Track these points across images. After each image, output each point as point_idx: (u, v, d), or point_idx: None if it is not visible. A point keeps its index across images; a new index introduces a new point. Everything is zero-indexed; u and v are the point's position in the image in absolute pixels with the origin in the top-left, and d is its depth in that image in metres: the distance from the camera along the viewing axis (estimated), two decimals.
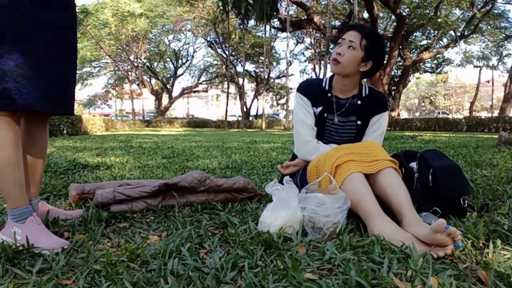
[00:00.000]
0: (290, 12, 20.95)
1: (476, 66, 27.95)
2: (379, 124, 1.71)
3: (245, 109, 29.78)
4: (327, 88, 1.71)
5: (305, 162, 1.68)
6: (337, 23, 22.13)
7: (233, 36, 26.39)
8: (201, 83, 33.58)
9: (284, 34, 21.95)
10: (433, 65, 25.94)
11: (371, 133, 1.71)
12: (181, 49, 31.69)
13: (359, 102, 1.69)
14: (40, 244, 1.13)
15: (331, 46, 15.48)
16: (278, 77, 32.49)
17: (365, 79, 1.79)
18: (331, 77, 1.72)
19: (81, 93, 38.21)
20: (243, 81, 28.16)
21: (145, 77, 30.54)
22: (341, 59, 1.58)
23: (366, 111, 1.69)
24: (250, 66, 31.45)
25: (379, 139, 1.71)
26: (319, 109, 1.70)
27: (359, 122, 1.69)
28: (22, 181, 1.19)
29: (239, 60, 29.51)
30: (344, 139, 1.70)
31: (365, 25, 1.70)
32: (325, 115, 1.69)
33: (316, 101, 1.70)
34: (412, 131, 14.75)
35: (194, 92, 34.81)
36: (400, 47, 20.09)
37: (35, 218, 1.20)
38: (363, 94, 1.70)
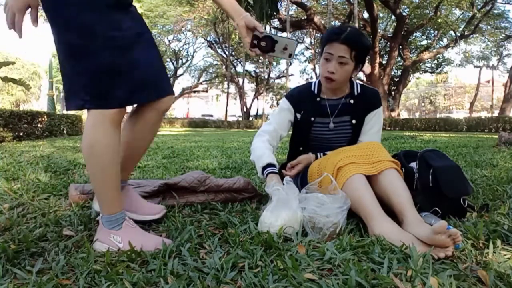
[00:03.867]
0: (290, 12, 20.90)
1: (476, 66, 27.94)
2: (374, 121, 1.70)
3: (245, 109, 29.79)
4: (316, 92, 1.70)
5: (308, 158, 1.67)
6: (337, 23, 22.12)
7: (233, 36, 26.35)
8: (201, 83, 33.57)
9: (284, 34, 21.95)
10: (433, 65, 25.95)
11: (367, 130, 1.70)
12: (181, 49, 31.72)
13: (351, 101, 1.68)
14: (146, 247, 1.11)
15: None
16: (278, 77, 32.52)
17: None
18: (320, 80, 1.70)
19: None
20: (243, 81, 28.17)
21: None
22: (335, 76, 1.55)
23: (360, 109, 1.68)
24: (250, 66, 31.47)
25: (377, 136, 1.71)
26: (304, 113, 1.69)
27: (354, 122, 1.68)
28: (119, 185, 1.17)
29: (239, 60, 29.50)
30: (339, 141, 1.69)
31: (348, 29, 1.53)
32: (312, 119, 1.68)
33: (304, 107, 1.70)
34: (412, 131, 14.74)
35: (194, 92, 34.80)
36: (400, 47, 20.07)
37: (128, 221, 1.19)
38: (355, 93, 1.69)
